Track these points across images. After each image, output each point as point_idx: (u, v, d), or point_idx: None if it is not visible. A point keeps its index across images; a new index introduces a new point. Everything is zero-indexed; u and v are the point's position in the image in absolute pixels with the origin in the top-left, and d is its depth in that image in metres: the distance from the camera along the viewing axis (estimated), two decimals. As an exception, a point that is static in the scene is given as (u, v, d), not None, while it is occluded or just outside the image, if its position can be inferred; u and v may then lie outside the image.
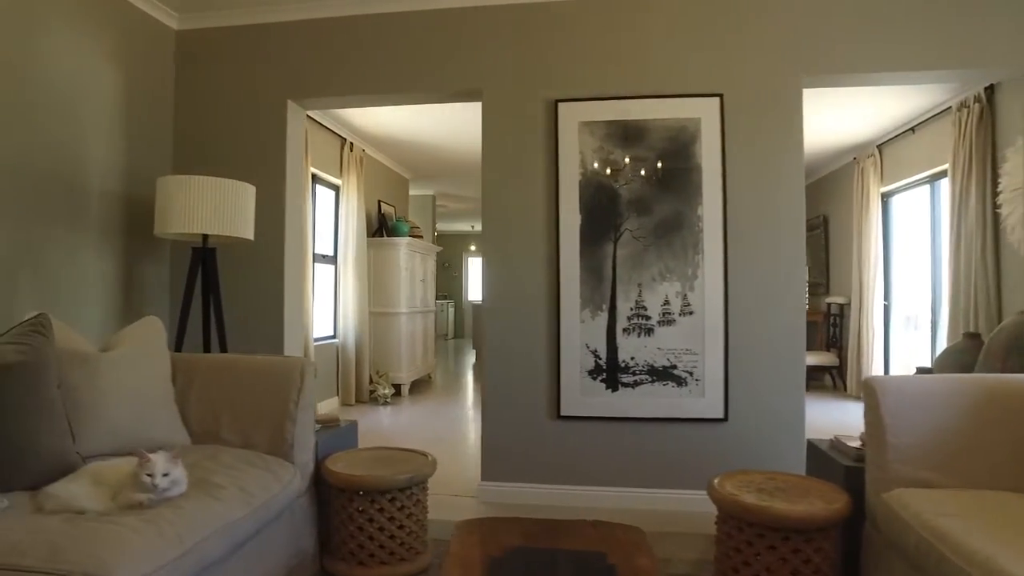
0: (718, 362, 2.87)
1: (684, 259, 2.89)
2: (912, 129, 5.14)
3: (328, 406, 5.44)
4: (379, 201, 6.55)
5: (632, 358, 2.91)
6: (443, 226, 13.33)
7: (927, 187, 5.17)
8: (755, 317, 2.86)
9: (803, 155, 2.88)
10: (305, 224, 4.72)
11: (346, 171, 5.67)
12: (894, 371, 5.88)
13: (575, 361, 2.94)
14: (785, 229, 2.86)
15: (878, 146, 5.75)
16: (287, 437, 2.15)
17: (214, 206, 2.69)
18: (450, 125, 5.68)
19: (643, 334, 2.90)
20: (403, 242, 6.19)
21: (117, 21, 2.99)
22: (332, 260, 5.82)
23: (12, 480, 1.63)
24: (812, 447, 2.39)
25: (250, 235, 2.86)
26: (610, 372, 2.92)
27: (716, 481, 2.05)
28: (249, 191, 2.83)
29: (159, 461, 1.58)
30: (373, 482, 2.10)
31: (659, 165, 2.90)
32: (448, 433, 4.60)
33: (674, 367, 2.89)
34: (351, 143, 5.81)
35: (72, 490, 1.54)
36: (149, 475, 1.56)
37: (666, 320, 2.90)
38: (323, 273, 5.79)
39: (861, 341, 5.80)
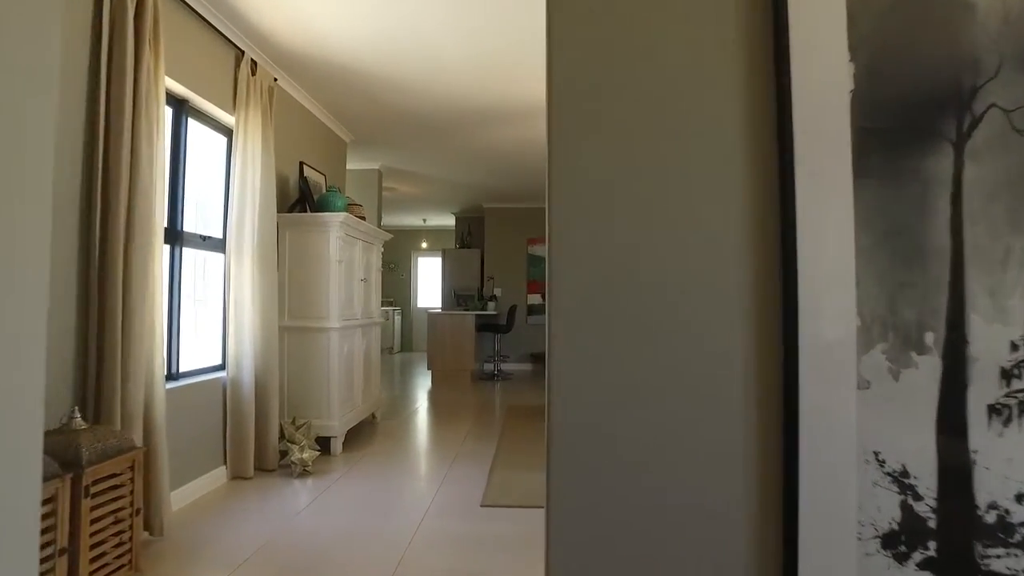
0: None
1: None
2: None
3: (210, 483, 3.29)
4: (301, 163, 4.45)
5: (1019, 495, 0.98)
6: (388, 219, 11.18)
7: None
8: None
9: None
10: (151, 170, 2.61)
11: (243, 104, 3.56)
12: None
13: (841, 505, 0.98)
14: None
15: None
16: None
17: None
18: (406, 43, 3.67)
19: (1040, 420, 0.98)
20: (335, 220, 4.10)
21: None
22: (221, 245, 3.68)
23: None
24: None
25: None
26: (948, 539, 0.98)
27: None
28: None
29: None
30: None
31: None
32: (434, 560, 2.55)
33: (1125, 517, 0.98)
34: (252, 60, 3.70)
35: None
36: None
37: (1103, 378, 0.98)
38: (207, 265, 3.64)
39: None
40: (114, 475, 2.13)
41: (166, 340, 3.16)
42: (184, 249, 3.30)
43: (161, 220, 2.69)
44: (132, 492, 2.19)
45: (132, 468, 2.19)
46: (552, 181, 1.07)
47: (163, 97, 2.68)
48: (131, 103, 2.48)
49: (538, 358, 9.25)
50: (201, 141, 3.57)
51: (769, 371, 1.02)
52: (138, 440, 2.47)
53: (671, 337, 1.03)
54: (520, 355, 9.37)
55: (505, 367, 9.31)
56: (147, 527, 2.56)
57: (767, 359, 1.02)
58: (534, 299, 9.42)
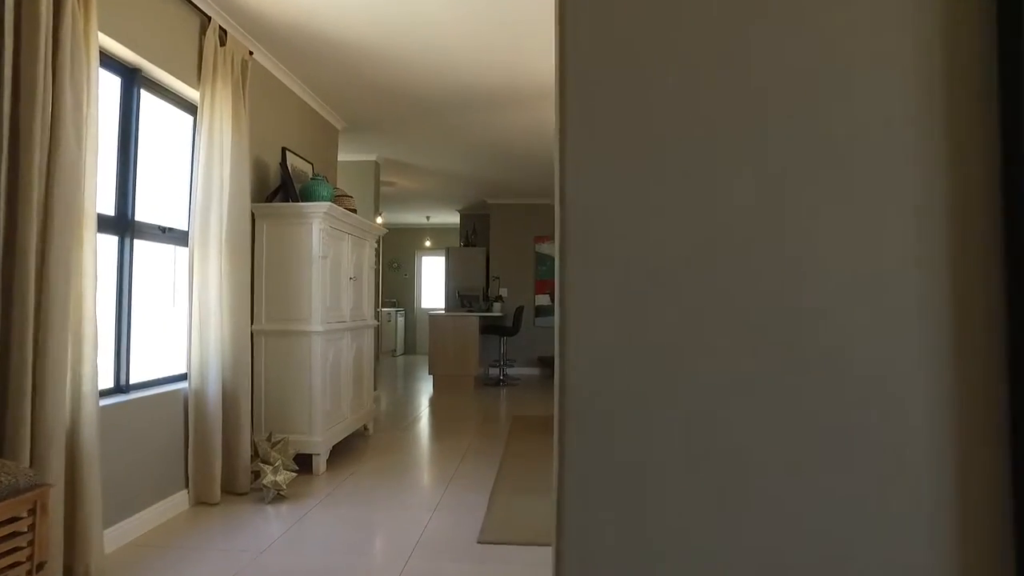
0: None
1: None
2: None
3: (167, 512, 2.85)
4: (284, 149, 4.00)
5: None
6: (390, 216, 10.77)
7: None
8: None
9: None
10: (79, 143, 2.16)
11: (210, 77, 3.12)
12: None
13: None
14: None
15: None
16: None
17: None
18: (401, 15, 3.22)
19: None
20: (318, 210, 3.65)
21: None
22: (187, 238, 3.24)
23: None
24: None
25: None
26: None
27: None
28: None
29: None
30: None
31: None
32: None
33: None
34: (221, 28, 3.26)
35: None
36: None
37: None
38: (169, 259, 3.21)
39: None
40: (10, 520, 1.69)
41: (114, 347, 2.72)
42: (141, 241, 2.87)
43: (94, 204, 2.24)
44: (33, 541, 1.74)
45: (34, 511, 1.74)
46: (567, 104, 0.61)
47: (95, 57, 2.23)
48: (48, 61, 2.03)
49: (546, 362, 8.78)
50: (163, 119, 3.14)
51: (981, 435, 0.55)
52: (57, 471, 2.03)
53: (794, 364, 0.57)
54: (527, 359, 8.90)
55: (511, 372, 8.85)
56: (70, 576, 2.12)
57: (978, 414, 0.55)
58: (542, 300, 8.95)
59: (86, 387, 2.19)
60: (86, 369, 2.19)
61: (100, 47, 2.54)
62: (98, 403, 2.25)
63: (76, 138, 2.14)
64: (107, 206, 2.68)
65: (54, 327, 2.03)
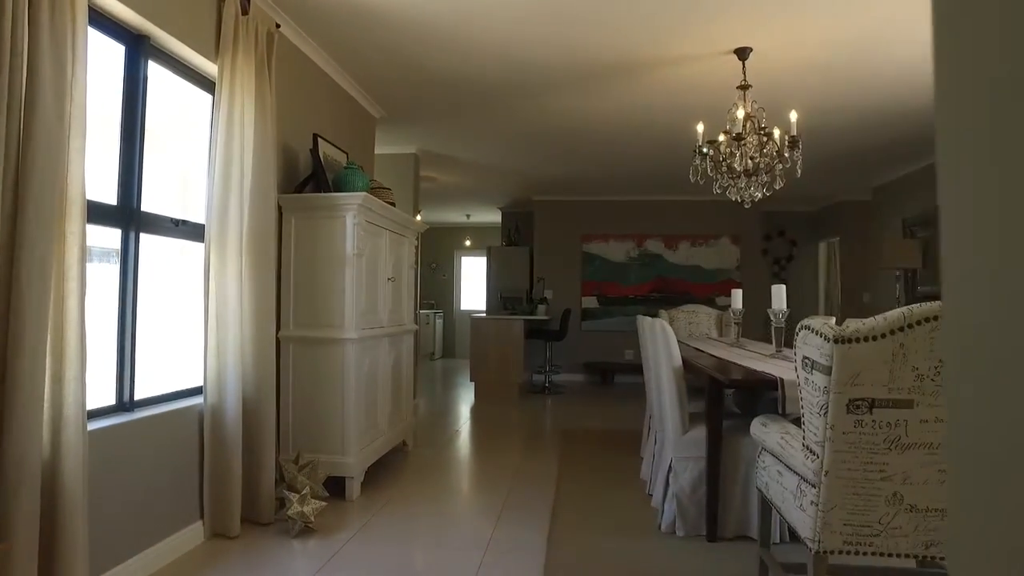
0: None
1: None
2: None
3: (178, 547, 2.45)
4: (315, 135, 3.60)
5: None
6: (428, 214, 10.38)
7: None
8: None
9: None
10: (61, 114, 1.77)
11: (229, 49, 2.73)
12: None
13: None
14: None
15: None
16: None
17: None
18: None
19: None
20: (353, 202, 3.23)
21: None
22: (202, 233, 2.84)
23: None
24: None
25: None
26: None
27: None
28: None
29: None
30: None
31: None
32: None
33: None
34: (243, -6, 2.86)
35: None
36: None
37: None
38: (183, 258, 2.83)
39: None
40: (-50, 592, 1.29)
41: (116, 359, 2.34)
42: (149, 236, 2.49)
43: (82, 188, 1.85)
44: (-19, 619, 1.34)
45: (-19, 580, 1.34)
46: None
47: (82, 10, 1.84)
48: (22, 12, 1.64)
49: (593, 369, 8.25)
50: (176, 96, 2.76)
51: None
52: (29, 518, 1.63)
53: None
54: (573, 365, 8.39)
55: (556, 378, 8.34)
56: (46, 644, 1.73)
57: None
58: (589, 302, 8.43)
59: (69, 410, 1.79)
60: (69, 388, 1.80)
61: (99, 6, 2.17)
62: (85, 428, 1.85)
63: (57, 107, 1.75)
64: (108, 194, 2.30)
65: (26, 338, 1.64)
